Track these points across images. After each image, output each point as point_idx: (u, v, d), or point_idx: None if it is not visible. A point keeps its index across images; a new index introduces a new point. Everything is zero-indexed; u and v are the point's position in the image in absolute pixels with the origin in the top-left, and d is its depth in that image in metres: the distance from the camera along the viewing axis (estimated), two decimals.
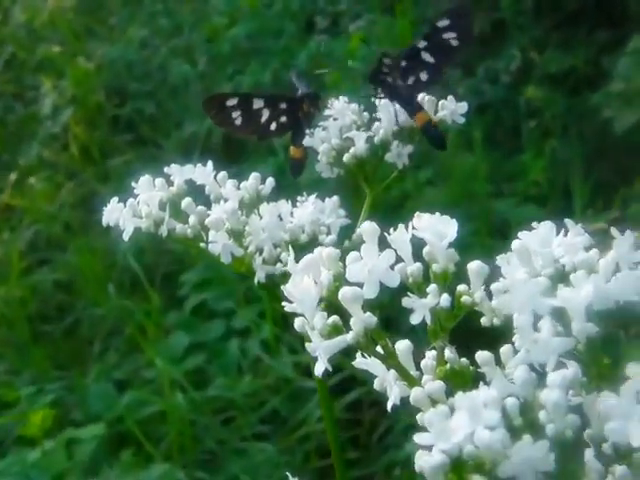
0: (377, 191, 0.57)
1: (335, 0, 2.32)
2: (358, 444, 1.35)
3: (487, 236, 1.35)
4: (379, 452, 1.33)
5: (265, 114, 0.60)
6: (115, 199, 0.54)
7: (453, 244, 0.40)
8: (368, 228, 0.39)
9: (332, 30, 2.19)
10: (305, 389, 1.34)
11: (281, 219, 0.54)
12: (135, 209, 0.54)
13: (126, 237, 0.54)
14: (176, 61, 1.91)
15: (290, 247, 0.45)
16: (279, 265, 0.52)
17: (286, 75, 1.60)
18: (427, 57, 0.63)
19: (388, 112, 0.59)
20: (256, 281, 0.51)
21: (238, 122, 0.60)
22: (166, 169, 0.56)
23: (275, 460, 1.25)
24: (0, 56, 2.28)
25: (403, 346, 0.41)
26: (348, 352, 1.23)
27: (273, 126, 0.61)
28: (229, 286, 1.59)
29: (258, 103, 0.60)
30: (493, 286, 0.39)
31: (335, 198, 0.56)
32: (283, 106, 0.61)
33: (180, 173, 0.55)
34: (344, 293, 0.37)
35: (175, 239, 0.53)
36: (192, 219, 0.53)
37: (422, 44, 0.63)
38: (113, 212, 0.54)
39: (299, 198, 0.55)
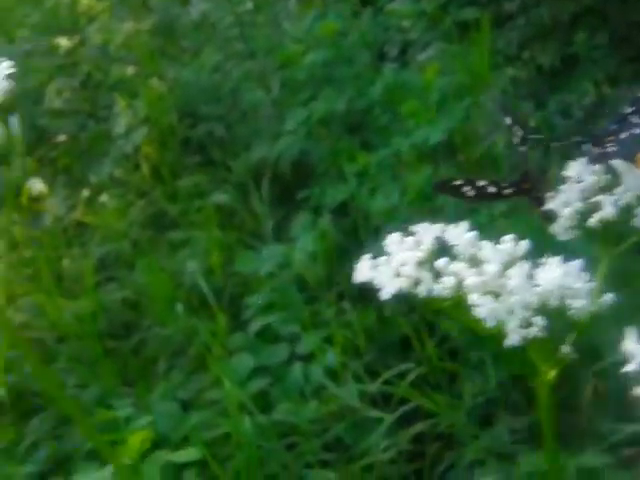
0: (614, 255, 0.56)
1: (405, 29, 2.33)
2: (422, 478, 1.33)
3: None
4: None
5: (491, 188, 0.61)
6: (367, 256, 0.57)
7: None
8: None
9: (401, 59, 2.20)
10: (370, 419, 1.33)
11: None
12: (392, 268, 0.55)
13: (387, 296, 0.55)
14: (248, 85, 1.94)
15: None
16: (533, 329, 0.52)
17: (361, 104, 1.61)
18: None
19: (633, 175, 0.57)
20: (508, 343, 0.52)
21: (469, 194, 0.62)
22: (413, 227, 0.58)
23: None
24: (76, 76, 2.33)
25: None
26: (416, 383, 1.21)
27: (505, 192, 0.62)
28: (295, 310, 1.60)
29: (481, 182, 0.61)
30: None
31: (580, 261, 0.55)
32: (505, 184, 0.62)
33: (428, 231, 0.58)
34: None
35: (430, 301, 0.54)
36: (449, 280, 0.54)
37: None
38: (366, 270, 0.56)
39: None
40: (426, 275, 0.54)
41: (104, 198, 1.97)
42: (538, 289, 0.52)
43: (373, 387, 1.36)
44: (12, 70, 0.54)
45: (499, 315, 0.51)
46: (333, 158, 1.67)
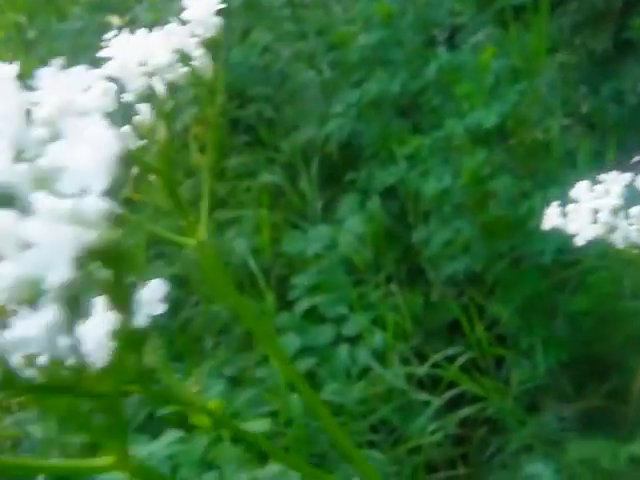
0: None
1: (455, 12, 2.31)
2: (468, 462, 1.33)
3: (613, 260, 1.32)
4: (488, 471, 1.32)
5: None
6: (555, 203, 0.56)
7: None
8: None
9: (449, 42, 2.18)
10: (417, 402, 1.34)
11: None
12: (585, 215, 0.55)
13: (581, 242, 0.55)
14: (299, 66, 1.94)
15: None
16: None
17: (414, 86, 1.60)
18: None
19: None
20: None
21: None
22: (601, 176, 0.56)
23: (384, 469, 1.25)
24: None
25: None
26: (464, 367, 1.21)
27: None
28: (341, 291, 1.60)
29: None
30: None
31: None
32: None
33: (617, 180, 0.56)
34: None
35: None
36: None
37: None
38: (555, 217, 0.56)
39: None
40: (622, 222, 0.54)
41: (152, 176, 1.98)
42: None
43: (421, 370, 1.36)
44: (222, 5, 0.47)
45: None
46: (383, 141, 1.66)
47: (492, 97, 1.42)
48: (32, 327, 0.26)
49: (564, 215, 0.55)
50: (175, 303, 1.72)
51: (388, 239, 1.63)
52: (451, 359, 1.38)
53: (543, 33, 1.57)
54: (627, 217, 0.55)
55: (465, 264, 1.43)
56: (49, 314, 0.27)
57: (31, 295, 0.26)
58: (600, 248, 0.55)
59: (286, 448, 1.21)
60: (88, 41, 2.34)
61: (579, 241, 0.54)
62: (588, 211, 0.54)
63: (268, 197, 1.81)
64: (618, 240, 0.53)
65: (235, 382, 1.46)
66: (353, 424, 1.31)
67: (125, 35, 0.45)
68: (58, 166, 0.29)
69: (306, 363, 1.46)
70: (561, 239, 1.37)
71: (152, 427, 1.30)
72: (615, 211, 0.54)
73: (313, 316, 1.60)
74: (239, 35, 2.33)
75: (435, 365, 1.37)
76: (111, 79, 0.41)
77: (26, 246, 0.27)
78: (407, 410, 1.34)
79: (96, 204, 0.29)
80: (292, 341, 1.51)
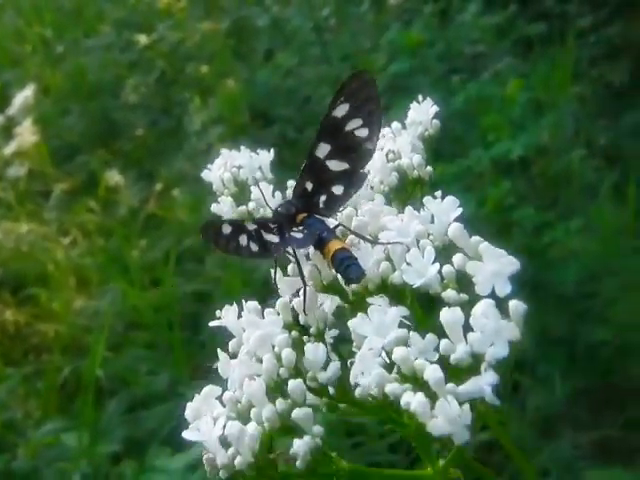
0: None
1: (475, 41, 2.35)
2: None
3: (633, 291, 1.35)
4: None
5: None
6: None
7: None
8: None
9: (469, 71, 2.22)
10: None
11: None
12: None
13: None
14: (324, 90, 1.97)
15: None
16: None
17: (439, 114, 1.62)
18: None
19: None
20: None
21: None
22: None
23: None
24: (151, 72, 2.39)
25: None
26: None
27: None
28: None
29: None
30: None
31: None
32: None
33: None
34: None
35: None
36: None
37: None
38: None
39: None
40: None
41: (176, 192, 2.02)
42: None
43: None
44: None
45: None
46: None
47: (517, 128, 1.46)
48: None
49: None
50: (195, 318, 1.75)
51: None
52: None
53: (568, 66, 1.60)
54: None
55: None
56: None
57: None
58: None
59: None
60: (115, 57, 2.39)
61: None
62: None
63: None
64: None
65: None
66: (372, 444, 1.34)
67: None
68: None
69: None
70: (581, 268, 1.40)
71: (176, 440, 1.33)
72: None
73: None
74: (262, 55, 2.38)
75: None
76: None
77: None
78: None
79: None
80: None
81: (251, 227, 0.54)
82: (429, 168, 0.53)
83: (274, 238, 0.54)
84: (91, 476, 1.10)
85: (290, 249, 0.53)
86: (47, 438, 1.12)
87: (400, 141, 0.58)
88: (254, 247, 0.53)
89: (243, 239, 0.53)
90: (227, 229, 0.54)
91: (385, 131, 0.59)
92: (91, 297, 1.79)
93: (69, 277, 1.81)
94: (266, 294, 0.59)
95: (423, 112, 0.61)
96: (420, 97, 0.61)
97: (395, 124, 0.60)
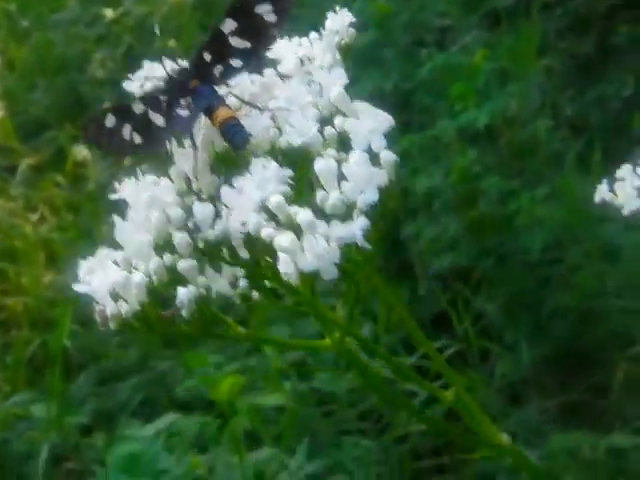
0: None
1: (442, 13, 2.35)
2: (452, 450, 1.37)
3: (597, 259, 1.37)
4: (472, 459, 1.36)
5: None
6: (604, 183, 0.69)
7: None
8: None
9: (438, 44, 2.22)
10: (405, 392, 1.37)
11: None
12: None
13: (627, 212, 0.65)
14: None
15: None
16: None
17: (406, 85, 1.64)
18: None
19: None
20: None
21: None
22: None
23: (371, 457, 1.29)
24: (118, 46, 2.37)
25: None
26: (450, 360, 1.23)
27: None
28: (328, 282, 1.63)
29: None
30: None
31: None
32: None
33: None
34: None
35: None
36: None
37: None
38: (605, 192, 0.69)
39: None
40: None
41: (144, 168, 2.00)
42: None
43: (409, 361, 1.40)
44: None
45: None
46: None
47: (483, 98, 1.47)
48: None
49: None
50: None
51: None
52: (438, 352, 1.41)
53: (533, 37, 1.61)
54: None
55: (452, 259, 1.47)
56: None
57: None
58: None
59: (279, 434, 1.24)
60: (81, 32, 2.36)
61: (626, 211, 0.64)
62: (632, 188, 0.64)
63: None
64: None
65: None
66: (342, 412, 1.35)
67: None
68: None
69: (296, 353, 1.50)
70: (547, 236, 1.41)
71: (146, 412, 1.33)
72: None
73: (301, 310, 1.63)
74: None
75: (423, 357, 1.41)
76: None
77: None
78: (395, 400, 1.37)
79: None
80: (283, 330, 1.54)
81: (139, 108, 0.53)
82: (341, 70, 0.54)
83: (160, 119, 0.54)
84: (60, 446, 1.10)
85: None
86: (16, 410, 1.13)
87: (316, 47, 0.60)
88: (137, 139, 0.53)
89: (127, 130, 0.53)
90: (111, 121, 0.53)
91: (302, 40, 0.61)
92: (60, 272, 1.78)
93: (38, 252, 1.80)
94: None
95: (339, 21, 0.62)
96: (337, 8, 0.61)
97: (312, 34, 0.61)
